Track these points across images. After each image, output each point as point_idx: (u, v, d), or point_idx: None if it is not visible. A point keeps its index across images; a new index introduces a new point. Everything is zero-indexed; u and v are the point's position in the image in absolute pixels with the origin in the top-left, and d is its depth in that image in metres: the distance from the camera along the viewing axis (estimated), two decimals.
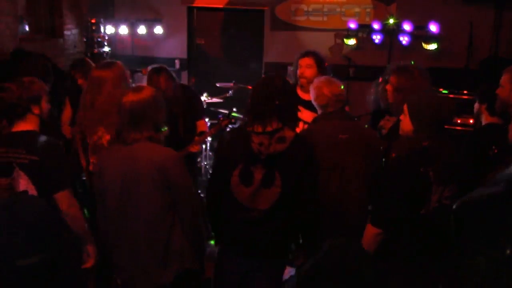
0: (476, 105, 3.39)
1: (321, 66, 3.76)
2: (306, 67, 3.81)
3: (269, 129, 2.56)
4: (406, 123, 2.62)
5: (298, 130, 3.65)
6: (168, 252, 2.49)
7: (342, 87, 3.19)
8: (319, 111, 3.24)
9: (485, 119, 3.30)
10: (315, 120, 3.25)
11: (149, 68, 4.25)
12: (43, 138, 2.75)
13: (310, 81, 3.71)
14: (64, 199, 2.69)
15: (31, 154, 2.63)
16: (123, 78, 3.29)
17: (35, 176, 2.63)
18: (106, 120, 3.09)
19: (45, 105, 2.84)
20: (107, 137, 3.11)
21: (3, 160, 2.63)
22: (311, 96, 3.27)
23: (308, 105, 3.52)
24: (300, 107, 3.66)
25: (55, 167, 2.68)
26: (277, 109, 2.58)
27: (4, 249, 1.15)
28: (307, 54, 3.87)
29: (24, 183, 2.61)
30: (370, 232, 2.58)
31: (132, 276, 2.53)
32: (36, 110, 2.77)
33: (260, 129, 2.57)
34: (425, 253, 2.44)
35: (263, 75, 8.37)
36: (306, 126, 3.59)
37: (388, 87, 3.32)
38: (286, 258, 2.94)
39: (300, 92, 3.84)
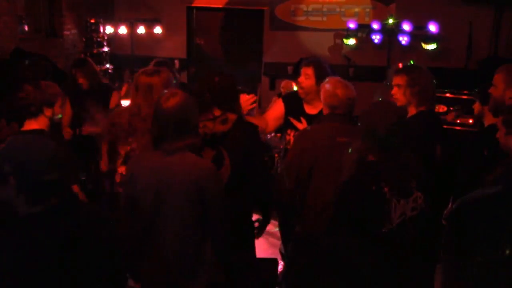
0: (478, 106, 3.36)
1: (321, 78, 3.64)
2: (304, 77, 3.72)
3: (210, 116, 2.82)
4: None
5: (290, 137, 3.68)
6: (198, 265, 2.43)
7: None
8: (327, 111, 3.15)
9: (488, 120, 3.27)
10: (317, 121, 3.23)
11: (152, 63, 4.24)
12: (51, 136, 2.84)
13: (306, 92, 3.67)
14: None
15: None
16: (169, 85, 3.19)
17: None
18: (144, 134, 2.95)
19: (58, 109, 2.96)
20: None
21: None
22: (321, 94, 3.19)
23: (311, 120, 3.48)
24: (302, 119, 3.66)
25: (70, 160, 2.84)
26: (209, 102, 2.82)
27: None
28: (309, 63, 3.74)
29: None
30: None
31: (160, 286, 2.48)
32: (48, 113, 2.89)
33: (203, 117, 2.76)
34: (389, 271, 2.36)
35: (262, 75, 8.39)
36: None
37: (394, 90, 3.27)
38: (250, 242, 3.09)
39: (306, 106, 3.78)
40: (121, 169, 3.07)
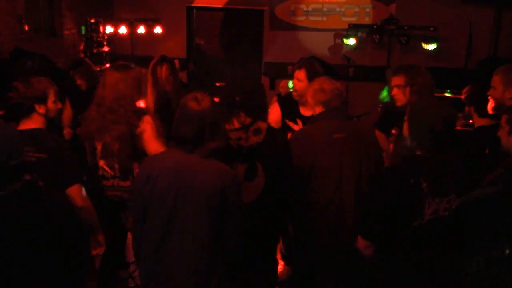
0: (466, 108, 3.38)
1: (313, 80, 3.65)
2: (297, 80, 3.73)
3: (238, 125, 2.64)
4: (405, 129, 2.58)
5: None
6: (210, 271, 2.39)
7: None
8: (319, 109, 3.15)
9: (476, 122, 3.29)
10: (312, 120, 3.23)
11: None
12: (49, 135, 2.83)
13: (300, 95, 3.68)
14: (76, 194, 2.75)
15: (39, 152, 2.68)
16: (137, 83, 3.25)
17: (43, 173, 2.62)
18: (115, 125, 3.10)
19: (51, 105, 2.86)
20: (116, 145, 3.11)
21: None
22: (308, 96, 3.22)
23: (307, 122, 3.49)
24: (298, 121, 3.67)
25: (64, 164, 2.74)
26: (238, 104, 2.65)
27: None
28: (300, 66, 3.75)
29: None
30: (360, 244, 2.57)
31: None
32: (41, 110, 2.80)
33: (232, 126, 2.63)
34: (417, 266, 2.37)
35: (262, 75, 8.39)
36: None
37: (394, 91, 3.29)
38: (275, 251, 2.96)
39: (301, 108, 3.79)
40: (101, 163, 3.17)
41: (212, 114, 2.35)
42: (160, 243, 2.37)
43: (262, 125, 2.70)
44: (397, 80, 3.27)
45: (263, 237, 2.73)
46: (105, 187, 3.24)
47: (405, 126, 2.53)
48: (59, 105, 2.96)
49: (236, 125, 2.64)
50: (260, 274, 2.78)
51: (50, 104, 2.85)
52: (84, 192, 2.82)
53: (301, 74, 3.69)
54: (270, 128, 2.77)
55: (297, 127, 3.62)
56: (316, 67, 3.76)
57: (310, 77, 3.59)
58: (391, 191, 2.38)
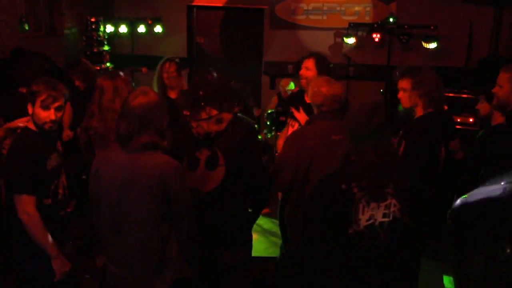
0: (486, 107, 3.33)
1: (321, 70, 3.68)
2: (305, 69, 3.79)
3: (205, 116, 2.69)
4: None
5: (290, 131, 3.66)
6: (163, 261, 2.47)
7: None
8: (315, 111, 3.19)
9: (495, 120, 3.24)
10: (310, 120, 3.23)
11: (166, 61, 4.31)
12: (16, 137, 2.83)
13: (309, 83, 3.66)
14: (16, 203, 2.63)
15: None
16: (124, 88, 3.28)
17: (3, 172, 2.74)
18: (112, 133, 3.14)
19: (38, 109, 2.76)
20: None
21: None
22: (308, 95, 3.24)
23: (310, 110, 3.50)
24: (301, 109, 3.67)
25: (13, 168, 2.69)
26: (202, 98, 2.69)
27: None
28: (309, 56, 3.84)
29: None
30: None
31: (125, 282, 2.50)
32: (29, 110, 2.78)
33: (198, 117, 2.70)
34: (354, 273, 2.29)
35: (262, 74, 8.39)
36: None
37: (400, 94, 3.29)
38: (245, 242, 2.96)
39: (306, 97, 3.81)
40: None
41: (145, 109, 2.38)
42: (113, 232, 2.47)
43: (225, 115, 2.73)
44: (403, 83, 3.25)
45: (227, 225, 2.77)
46: None
47: None
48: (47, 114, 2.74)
49: (204, 117, 2.70)
50: (251, 273, 2.80)
51: (37, 108, 2.71)
52: (27, 205, 2.61)
53: (310, 62, 3.77)
54: (235, 119, 2.78)
55: (299, 115, 3.62)
56: (324, 57, 3.85)
57: (319, 67, 3.69)
58: (323, 198, 2.29)
